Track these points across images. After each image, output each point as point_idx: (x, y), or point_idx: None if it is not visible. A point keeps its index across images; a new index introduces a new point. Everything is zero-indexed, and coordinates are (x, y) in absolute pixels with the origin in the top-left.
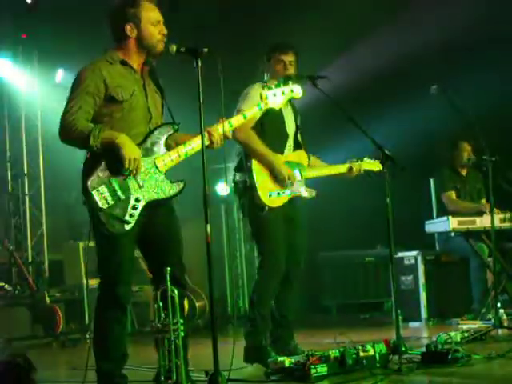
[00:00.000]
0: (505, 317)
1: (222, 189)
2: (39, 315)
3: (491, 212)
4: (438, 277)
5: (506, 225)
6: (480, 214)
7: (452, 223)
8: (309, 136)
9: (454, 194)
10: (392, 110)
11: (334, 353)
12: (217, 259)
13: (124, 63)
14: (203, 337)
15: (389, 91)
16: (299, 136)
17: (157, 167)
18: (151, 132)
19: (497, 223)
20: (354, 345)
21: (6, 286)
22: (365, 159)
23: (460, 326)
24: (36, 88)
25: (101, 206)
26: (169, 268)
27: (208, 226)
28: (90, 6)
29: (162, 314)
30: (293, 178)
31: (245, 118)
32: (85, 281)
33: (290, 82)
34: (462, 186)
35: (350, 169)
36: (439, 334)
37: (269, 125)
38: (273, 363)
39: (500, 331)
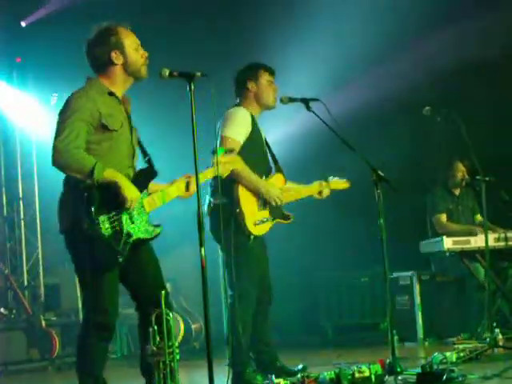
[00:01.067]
0: (500, 336)
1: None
2: (35, 339)
3: (485, 232)
4: (433, 297)
5: (501, 244)
6: (470, 235)
7: (446, 243)
8: (300, 158)
9: (444, 217)
10: (388, 130)
11: (329, 374)
12: (211, 280)
13: (111, 94)
14: (199, 359)
15: (386, 112)
16: (271, 157)
17: (144, 207)
18: (141, 172)
19: (491, 243)
20: (349, 366)
21: (2, 309)
22: (330, 179)
23: (456, 346)
24: (31, 112)
25: (104, 233)
26: (164, 292)
27: (202, 249)
28: (86, 31)
29: (157, 338)
30: (281, 199)
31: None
32: (80, 305)
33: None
34: (455, 205)
35: (320, 192)
36: (434, 354)
37: (254, 146)
38: None
39: (495, 350)
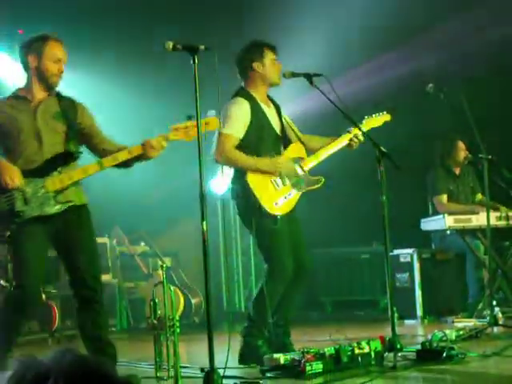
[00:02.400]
0: (500, 315)
1: (218, 185)
2: (35, 311)
3: (487, 210)
4: (433, 275)
5: (502, 223)
6: (472, 213)
7: (448, 221)
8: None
9: (445, 197)
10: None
11: (329, 350)
12: (212, 256)
13: (18, 97)
14: (199, 333)
15: (387, 91)
16: (291, 130)
17: (44, 187)
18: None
19: (492, 221)
20: (349, 342)
21: (2, 282)
22: (364, 119)
23: (455, 324)
24: None
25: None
26: (165, 265)
27: (204, 223)
28: (89, 5)
29: (158, 312)
30: (287, 166)
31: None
32: None
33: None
34: (456, 185)
35: (351, 140)
36: (434, 331)
37: (259, 134)
38: (268, 360)
39: (495, 329)
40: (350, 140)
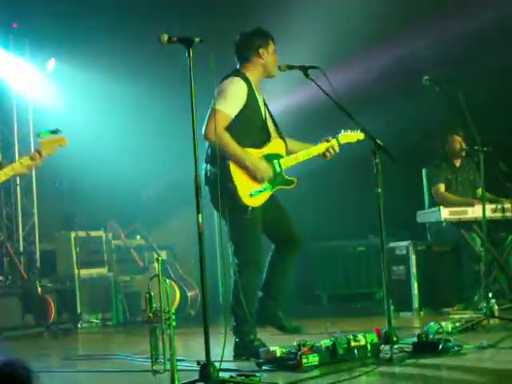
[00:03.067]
0: (496, 307)
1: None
2: (31, 305)
3: (483, 202)
4: (429, 267)
5: (498, 215)
6: (469, 206)
7: (443, 213)
8: (301, 127)
9: (443, 187)
10: (385, 100)
11: (325, 343)
12: (208, 249)
13: None
14: (195, 326)
15: (382, 82)
16: (272, 124)
17: None
18: None
19: (488, 213)
20: (345, 335)
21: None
22: (341, 133)
23: (451, 316)
24: (28, 77)
25: None
26: (161, 258)
27: (200, 215)
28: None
29: (154, 305)
30: (269, 173)
31: None
32: (76, 271)
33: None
34: (455, 176)
35: (328, 149)
36: (430, 323)
37: (249, 118)
38: (264, 353)
39: (491, 321)
40: (327, 150)
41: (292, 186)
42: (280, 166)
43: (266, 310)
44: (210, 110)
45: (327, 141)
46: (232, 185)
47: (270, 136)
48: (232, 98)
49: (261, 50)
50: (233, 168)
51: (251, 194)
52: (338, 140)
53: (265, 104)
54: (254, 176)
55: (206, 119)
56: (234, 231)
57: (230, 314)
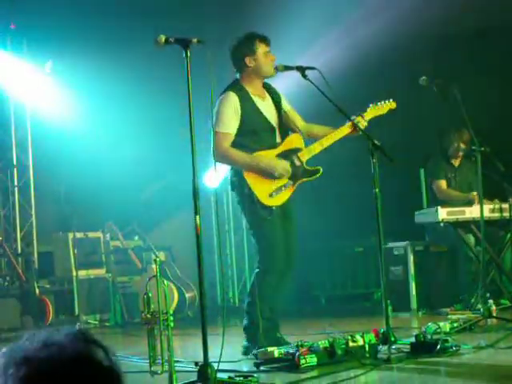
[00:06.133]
0: (494, 307)
1: (212, 179)
2: (29, 306)
3: (480, 202)
4: (427, 267)
5: (495, 215)
6: (469, 203)
7: (441, 214)
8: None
9: (444, 183)
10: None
11: (323, 343)
12: (206, 250)
13: None
14: (193, 328)
15: (379, 81)
16: (290, 120)
17: None
18: None
19: (486, 213)
20: (343, 335)
21: None
22: (369, 107)
23: (449, 317)
24: (25, 78)
25: None
26: (159, 259)
27: (198, 217)
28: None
29: (152, 306)
30: (286, 169)
31: None
32: (74, 272)
33: None
34: (453, 176)
35: (354, 126)
36: (428, 324)
37: (251, 125)
38: (262, 354)
39: (489, 321)
40: (354, 128)
41: (318, 174)
42: (300, 159)
43: (266, 333)
44: (212, 132)
45: (350, 120)
46: (249, 190)
47: (284, 134)
48: (226, 117)
49: (247, 59)
50: (246, 174)
51: (271, 194)
52: (362, 117)
53: (277, 103)
54: (271, 175)
55: (212, 143)
56: (255, 231)
57: (239, 309)
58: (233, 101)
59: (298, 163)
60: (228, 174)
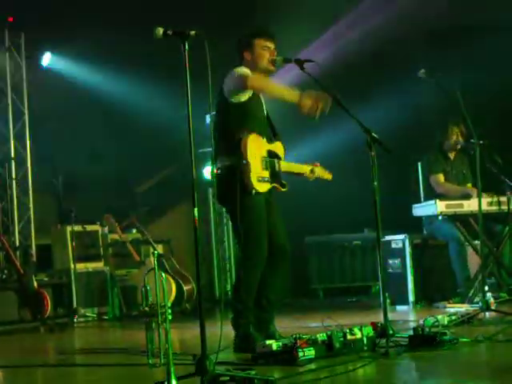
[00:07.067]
0: (492, 300)
1: (209, 172)
2: (27, 299)
3: (479, 196)
4: (425, 260)
5: (493, 208)
6: (466, 197)
7: (439, 207)
8: (296, 120)
9: (442, 176)
10: (379, 93)
11: (321, 336)
12: (204, 244)
13: None
14: (191, 321)
15: (376, 74)
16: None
17: None
18: None
19: (484, 207)
20: (341, 328)
21: None
22: (318, 166)
23: (447, 310)
24: (23, 71)
25: None
26: (157, 252)
27: (195, 209)
28: None
29: (150, 299)
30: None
31: None
32: (72, 265)
33: None
34: (450, 168)
35: (312, 171)
36: (426, 317)
37: (254, 109)
38: (260, 347)
39: (487, 314)
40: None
41: (283, 189)
42: (279, 167)
43: (260, 324)
44: (230, 77)
45: (312, 170)
46: (246, 161)
47: (275, 133)
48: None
49: (245, 54)
50: (250, 148)
51: (259, 179)
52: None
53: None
54: (304, 100)
55: (233, 82)
56: (238, 215)
57: (228, 307)
58: (248, 71)
59: (277, 169)
60: (219, 160)
